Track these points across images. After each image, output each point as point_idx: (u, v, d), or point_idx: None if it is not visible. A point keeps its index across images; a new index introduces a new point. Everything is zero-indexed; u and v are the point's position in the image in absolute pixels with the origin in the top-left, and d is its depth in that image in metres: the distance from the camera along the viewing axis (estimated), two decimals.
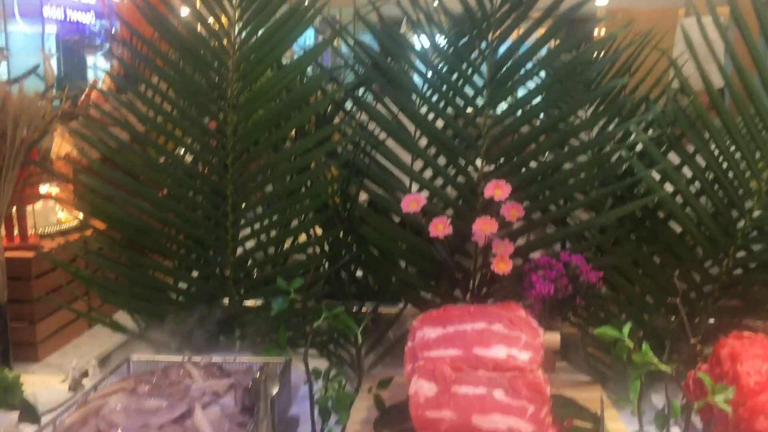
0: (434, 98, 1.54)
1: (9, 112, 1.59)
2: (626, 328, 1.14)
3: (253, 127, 1.51)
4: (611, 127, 1.54)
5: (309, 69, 1.60)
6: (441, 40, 1.55)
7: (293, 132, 1.57)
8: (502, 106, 1.51)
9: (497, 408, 1.03)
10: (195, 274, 1.59)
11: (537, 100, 1.51)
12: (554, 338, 1.37)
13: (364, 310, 1.53)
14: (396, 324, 1.55)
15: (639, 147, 1.45)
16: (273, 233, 1.57)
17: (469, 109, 1.50)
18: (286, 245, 1.59)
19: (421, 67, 1.53)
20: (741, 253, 1.42)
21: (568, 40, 1.53)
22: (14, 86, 1.69)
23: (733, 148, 1.39)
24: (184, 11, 1.64)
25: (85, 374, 1.61)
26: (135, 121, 1.61)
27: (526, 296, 1.30)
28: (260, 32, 1.51)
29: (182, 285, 1.59)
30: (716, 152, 1.40)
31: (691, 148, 1.44)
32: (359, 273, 1.57)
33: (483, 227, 1.29)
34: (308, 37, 1.94)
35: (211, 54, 1.51)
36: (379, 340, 1.54)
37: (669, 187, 1.42)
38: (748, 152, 1.37)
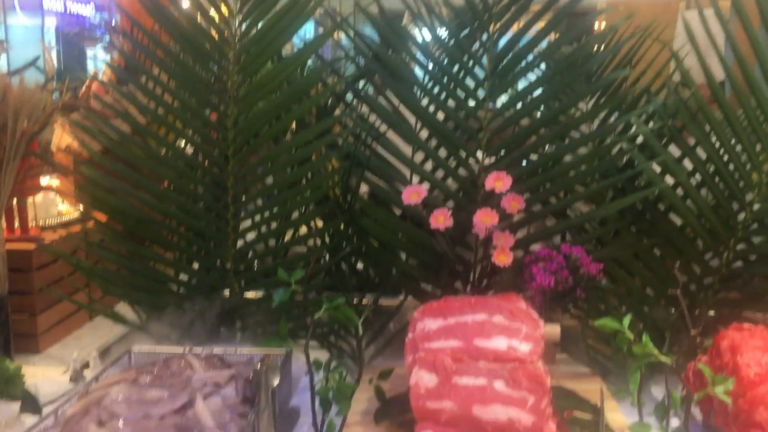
0: (435, 90, 1.54)
1: (10, 103, 1.59)
2: (626, 320, 1.14)
3: (253, 119, 1.51)
4: (612, 119, 1.54)
5: (310, 61, 1.59)
6: (442, 32, 1.55)
7: (294, 124, 1.57)
8: (503, 99, 1.51)
9: (498, 399, 1.03)
10: (196, 265, 1.59)
11: (538, 92, 1.51)
12: (554, 330, 1.37)
13: (364, 302, 1.53)
14: (396, 316, 1.55)
15: (640, 139, 1.45)
16: (274, 225, 1.57)
17: (471, 102, 1.50)
18: (287, 237, 1.59)
19: (422, 59, 1.53)
20: (741, 246, 1.42)
21: (568, 32, 1.53)
22: (15, 78, 1.69)
23: (733, 140, 1.39)
24: (185, 3, 1.63)
25: (86, 366, 1.61)
26: (136, 113, 1.61)
27: (526, 288, 1.30)
28: (260, 24, 1.51)
29: (183, 277, 1.60)
30: (717, 144, 1.40)
31: (692, 141, 1.44)
32: (360, 265, 1.57)
33: (484, 219, 1.30)
34: (308, 30, 1.93)
35: (212, 46, 1.51)
36: (379, 332, 1.54)
37: (670, 180, 1.42)
38: (749, 144, 1.37)
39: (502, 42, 1.48)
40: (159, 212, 1.55)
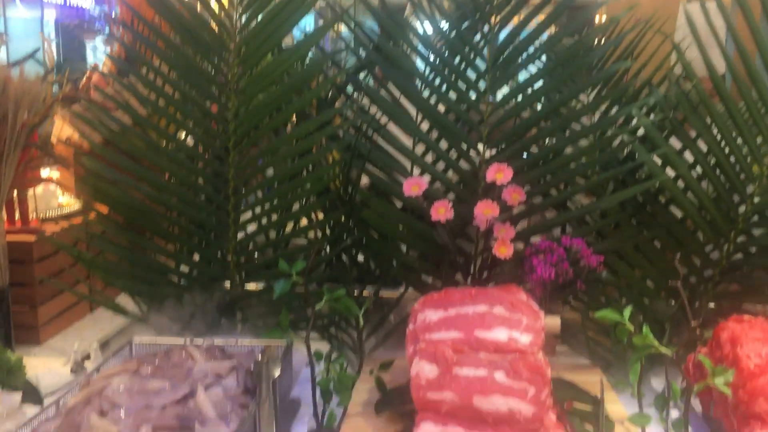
0: (436, 82, 1.53)
1: (10, 95, 1.59)
2: (627, 312, 1.14)
3: (254, 111, 1.51)
4: (613, 111, 1.54)
5: (310, 53, 1.59)
6: (443, 24, 1.54)
7: (295, 116, 1.57)
8: (504, 91, 1.51)
9: (498, 389, 1.04)
10: (197, 257, 1.60)
11: (539, 84, 1.51)
12: (555, 322, 1.37)
13: (365, 293, 1.53)
14: (397, 308, 1.55)
15: (641, 131, 1.44)
16: (274, 217, 1.57)
17: (472, 94, 1.49)
18: (288, 229, 1.59)
19: (423, 50, 1.53)
20: (742, 238, 1.42)
21: (569, 24, 1.53)
22: (15, 70, 1.68)
23: (734, 132, 1.39)
24: None
25: (87, 357, 1.62)
26: (137, 104, 1.61)
27: (527, 280, 1.30)
28: (261, 16, 1.51)
29: (184, 268, 1.60)
30: (718, 137, 1.40)
31: (693, 133, 1.44)
32: (360, 257, 1.57)
33: (485, 211, 1.30)
34: (308, 24, 1.93)
35: (213, 37, 1.51)
36: (380, 324, 1.54)
37: (670, 172, 1.42)
38: (750, 137, 1.37)
39: (504, 34, 1.48)
40: (160, 204, 1.55)
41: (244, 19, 1.50)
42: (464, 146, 1.48)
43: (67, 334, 1.87)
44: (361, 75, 1.61)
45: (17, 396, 1.34)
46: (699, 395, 1.27)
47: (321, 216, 1.56)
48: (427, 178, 1.39)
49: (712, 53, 1.37)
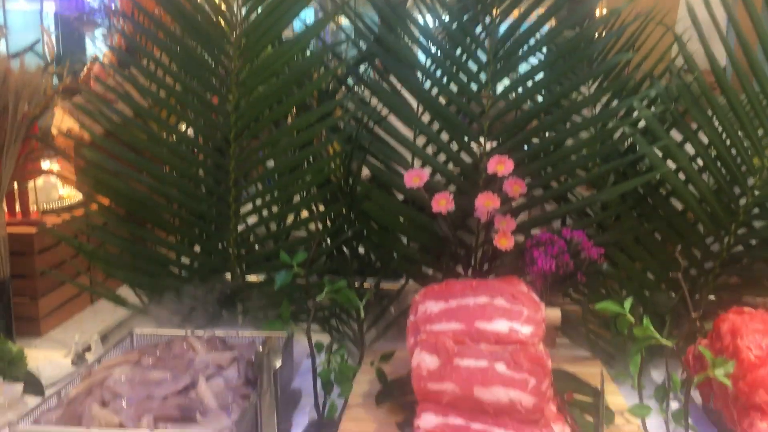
0: (437, 74, 1.53)
1: (10, 87, 1.58)
2: (628, 303, 1.15)
3: (255, 103, 1.51)
4: (614, 103, 1.54)
5: (311, 44, 1.59)
6: (444, 15, 1.54)
7: (296, 108, 1.57)
8: (506, 83, 1.51)
9: (499, 380, 1.04)
10: (197, 249, 1.60)
11: (540, 76, 1.50)
12: (555, 314, 1.37)
13: (365, 285, 1.53)
14: (397, 300, 1.55)
15: (642, 124, 1.44)
16: (275, 209, 1.57)
17: (473, 86, 1.49)
18: (288, 221, 1.59)
19: (424, 42, 1.52)
20: (742, 230, 1.42)
21: (570, 16, 1.52)
22: (15, 61, 1.68)
23: (736, 125, 1.39)
24: None
25: (88, 349, 1.62)
26: (137, 96, 1.61)
27: (527, 272, 1.31)
28: (261, 7, 1.50)
29: (185, 260, 1.60)
30: (719, 129, 1.40)
31: (694, 125, 1.44)
32: (361, 249, 1.57)
33: (485, 203, 1.30)
34: (309, 16, 1.93)
35: (214, 29, 1.51)
36: (380, 316, 1.54)
37: (671, 164, 1.42)
38: (752, 129, 1.37)
39: (505, 25, 1.47)
40: (160, 195, 1.55)
41: (244, 10, 1.50)
42: (465, 138, 1.48)
43: (68, 326, 1.87)
44: (362, 67, 1.61)
45: (19, 387, 1.34)
46: (699, 387, 1.28)
47: (322, 208, 1.56)
48: (428, 169, 1.39)
49: (713, 45, 1.36)
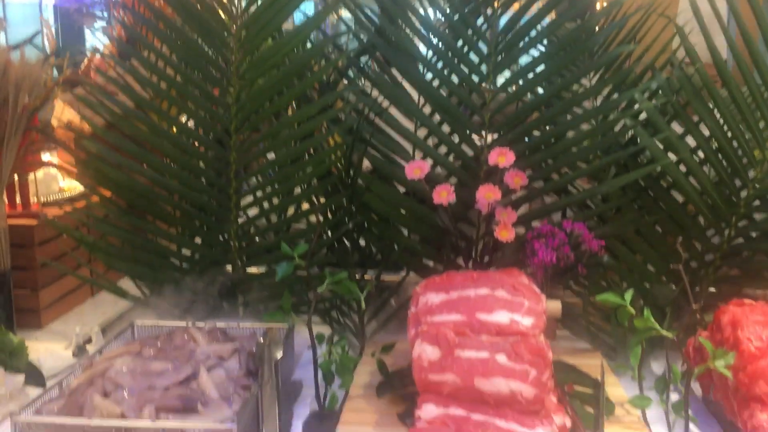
0: (438, 66, 1.53)
1: (11, 78, 1.58)
2: (628, 295, 1.15)
3: (255, 95, 1.51)
4: (615, 95, 1.54)
5: (312, 36, 1.59)
6: (445, 6, 1.54)
7: (296, 99, 1.57)
8: (507, 75, 1.51)
9: (500, 371, 1.04)
10: (198, 240, 1.60)
11: (541, 68, 1.50)
12: (556, 306, 1.38)
13: (366, 277, 1.54)
14: (398, 292, 1.56)
15: (643, 116, 1.44)
16: (276, 201, 1.57)
17: (475, 78, 1.49)
18: (289, 213, 1.59)
19: (425, 33, 1.52)
20: (743, 222, 1.43)
21: (571, 7, 1.52)
22: (15, 53, 1.68)
23: (737, 117, 1.39)
24: None
25: (89, 341, 1.62)
26: (138, 88, 1.61)
27: (528, 264, 1.31)
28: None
29: (186, 252, 1.60)
30: (720, 121, 1.40)
31: (695, 118, 1.43)
32: (362, 241, 1.57)
33: (486, 195, 1.30)
34: (309, 8, 1.92)
35: (215, 20, 1.50)
36: (381, 308, 1.54)
37: (672, 156, 1.42)
38: (753, 121, 1.37)
39: (506, 17, 1.47)
40: (161, 187, 1.55)
41: (245, 2, 1.50)
42: (466, 130, 1.48)
43: (69, 318, 1.87)
44: (363, 59, 1.60)
45: (20, 378, 1.34)
46: (699, 378, 1.28)
47: (322, 200, 1.56)
48: (429, 161, 1.39)
49: (714, 37, 1.36)
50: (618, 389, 1.27)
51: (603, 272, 1.48)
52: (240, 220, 1.56)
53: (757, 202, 1.41)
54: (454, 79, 1.50)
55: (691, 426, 1.11)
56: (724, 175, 1.41)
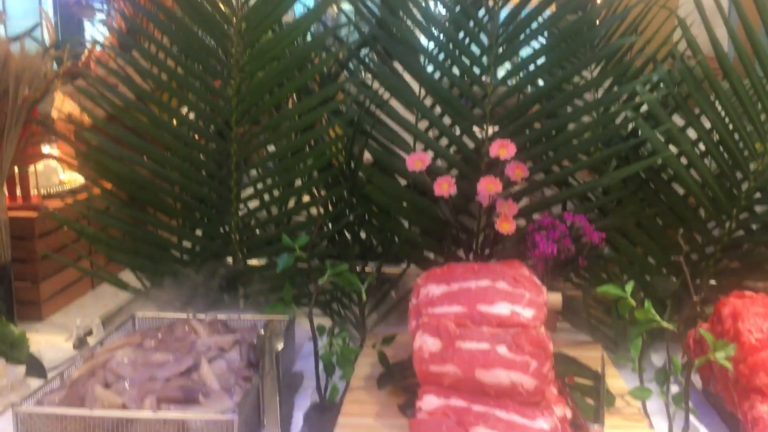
0: (440, 57, 1.53)
1: (11, 70, 1.58)
2: (629, 286, 1.15)
3: (256, 87, 1.51)
4: (616, 88, 1.53)
5: (312, 28, 1.58)
6: None
7: (297, 92, 1.56)
8: (508, 66, 1.50)
9: (500, 363, 1.04)
10: (199, 233, 1.60)
11: (542, 60, 1.50)
12: (556, 299, 1.37)
13: (367, 270, 1.54)
14: (399, 284, 1.56)
15: (644, 108, 1.44)
16: (276, 193, 1.57)
17: (476, 70, 1.49)
18: (290, 205, 1.59)
19: (426, 25, 1.52)
20: (744, 215, 1.43)
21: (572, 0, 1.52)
22: (15, 45, 1.67)
23: (739, 109, 1.39)
24: None
25: (89, 333, 1.62)
26: (138, 79, 1.60)
27: (529, 256, 1.31)
28: None
29: (186, 244, 1.60)
30: (722, 113, 1.40)
31: (696, 110, 1.43)
32: (363, 233, 1.57)
33: (487, 187, 1.30)
34: (309, 1, 1.91)
35: (215, 11, 1.50)
36: (382, 300, 1.54)
37: (674, 149, 1.42)
38: (755, 113, 1.37)
39: (508, 9, 1.47)
40: (162, 179, 1.55)
41: None
42: (467, 122, 1.48)
43: (69, 311, 1.88)
44: (364, 50, 1.60)
45: (21, 369, 1.35)
46: (699, 370, 1.28)
47: (323, 192, 1.56)
48: (430, 153, 1.39)
49: (716, 29, 1.36)
50: (618, 381, 1.27)
51: (604, 264, 1.48)
52: (241, 212, 1.56)
53: (758, 195, 1.41)
54: (455, 71, 1.50)
55: (692, 417, 1.11)
56: (725, 167, 1.41)
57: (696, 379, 1.31)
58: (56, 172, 2.04)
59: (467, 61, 1.48)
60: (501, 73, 1.48)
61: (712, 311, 1.25)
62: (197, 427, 1.01)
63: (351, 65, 1.60)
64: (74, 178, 2.07)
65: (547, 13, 1.49)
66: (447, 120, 1.51)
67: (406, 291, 1.46)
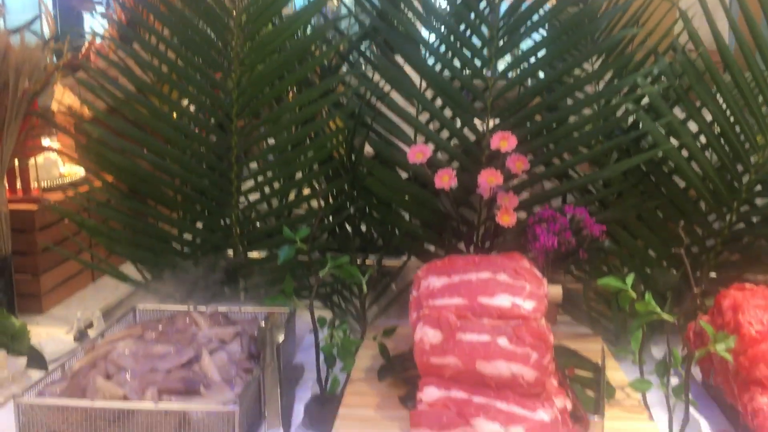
0: (440, 50, 1.52)
1: (11, 63, 1.57)
2: (630, 279, 1.15)
3: (256, 79, 1.50)
4: (617, 80, 1.53)
5: (313, 21, 1.58)
6: None
7: (298, 84, 1.56)
8: (509, 59, 1.50)
9: (501, 355, 1.04)
10: (200, 225, 1.60)
11: (543, 52, 1.49)
12: (557, 291, 1.38)
13: (368, 262, 1.54)
14: (399, 276, 1.56)
15: (645, 100, 1.44)
16: (277, 185, 1.57)
17: (477, 62, 1.48)
18: (290, 197, 1.59)
19: (427, 17, 1.51)
20: (744, 208, 1.43)
21: None
22: (15, 38, 1.67)
23: (740, 102, 1.38)
24: None
25: (90, 325, 1.62)
26: (139, 72, 1.60)
27: (529, 249, 1.31)
28: None
29: (187, 236, 1.60)
30: (723, 106, 1.39)
31: (698, 102, 1.43)
32: (363, 226, 1.57)
33: (488, 179, 1.30)
34: None
35: (216, 4, 1.50)
36: (382, 292, 1.55)
37: (675, 142, 1.42)
38: (756, 106, 1.37)
39: (509, 1, 1.46)
40: (163, 172, 1.55)
41: None
42: (468, 115, 1.48)
43: (70, 303, 1.87)
44: (365, 43, 1.60)
45: (22, 361, 1.35)
46: (699, 363, 1.28)
47: (324, 184, 1.56)
48: (431, 146, 1.39)
49: (717, 21, 1.35)
50: (618, 373, 1.27)
51: (604, 257, 1.49)
52: (241, 205, 1.56)
53: (758, 187, 1.41)
54: (456, 63, 1.50)
55: (692, 409, 1.11)
56: (726, 160, 1.41)
57: (696, 371, 1.31)
58: (56, 165, 2.04)
59: (468, 54, 1.48)
60: (502, 65, 1.48)
61: (712, 303, 1.25)
62: (198, 418, 1.01)
63: (351, 57, 1.60)
64: (75, 171, 2.06)
65: (548, 5, 1.48)
66: (448, 112, 1.51)
67: (407, 283, 1.46)
